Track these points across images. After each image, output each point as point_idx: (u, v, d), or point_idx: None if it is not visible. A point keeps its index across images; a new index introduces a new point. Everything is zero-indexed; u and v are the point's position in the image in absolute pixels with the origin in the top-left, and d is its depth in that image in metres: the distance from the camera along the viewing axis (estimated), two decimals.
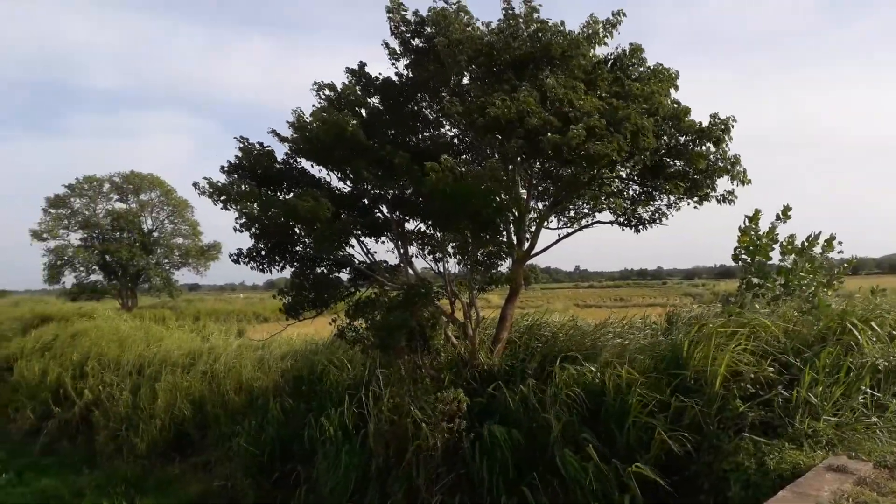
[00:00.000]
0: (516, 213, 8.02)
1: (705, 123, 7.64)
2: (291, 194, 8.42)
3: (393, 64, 8.50)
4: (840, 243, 8.69)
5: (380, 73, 8.75)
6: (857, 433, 5.11)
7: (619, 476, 5.79)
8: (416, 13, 8.02)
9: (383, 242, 8.91)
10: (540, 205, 8.80)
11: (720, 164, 7.75)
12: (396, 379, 8.05)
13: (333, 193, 8.49)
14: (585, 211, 8.92)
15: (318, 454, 8.10)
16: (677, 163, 7.87)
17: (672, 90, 7.79)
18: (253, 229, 8.24)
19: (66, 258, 34.19)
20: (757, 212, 8.78)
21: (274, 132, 8.54)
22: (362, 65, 8.76)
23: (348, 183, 8.65)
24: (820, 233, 8.73)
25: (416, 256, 8.85)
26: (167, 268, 37.03)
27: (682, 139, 7.77)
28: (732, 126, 7.62)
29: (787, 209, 8.73)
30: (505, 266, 8.67)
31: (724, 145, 7.70)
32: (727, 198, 8.03)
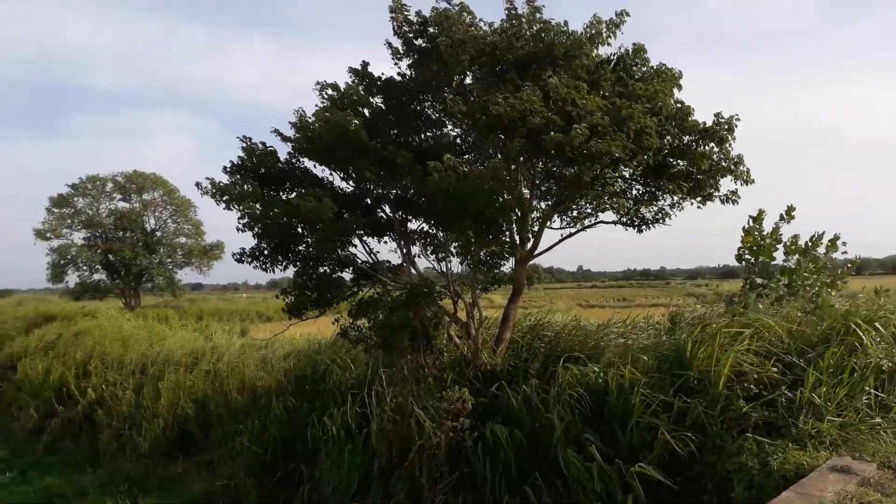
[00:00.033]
0: (519, 213, 8.01)
1: (709, 123, 7.62)
2: (294, 194, 8.43)
3: (396, 63, 8.51)
4: (844, 244, 8.69)
5: (382, 73, 8.76)
6: (861, 434, 5.10)
7: (622, 476, 5.78)
8: (419, 13, 8.02)
9: (386, 242, 8.93)
10: (543, 204, 8.79)
11: (723, 163, 7.72)
12: (399, 378, 8.05)
13: (336, 193, 8.49)
14: (588, 211, 8.89)
15: (320, 453, 8.11)
16: (680, 163, 7.84)
17: (675, 90, 7.77)
18: (255, 229, 8.25)
19: (69, 257, 34.35)
20: (761, 212, 8.76)
21: (277, 132, 8.55)
22: (365, 64, 8.76)
23: (351, 183, 8.65)
24: (823, 233, 8.72)
25: (419, 256, 8.85)
26: (170, 267, 37.18)
27: (686, 139, 7.75)
28: (736, 125, 7.59)
29: (790, 209, 8.71)
30: (508, 266, 8.67)
31: (727, 145, 7.68)
32: (730, 198, 8.00)
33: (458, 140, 8.91)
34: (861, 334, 6.17)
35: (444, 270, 8.59)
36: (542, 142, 6.75)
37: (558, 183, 8.36)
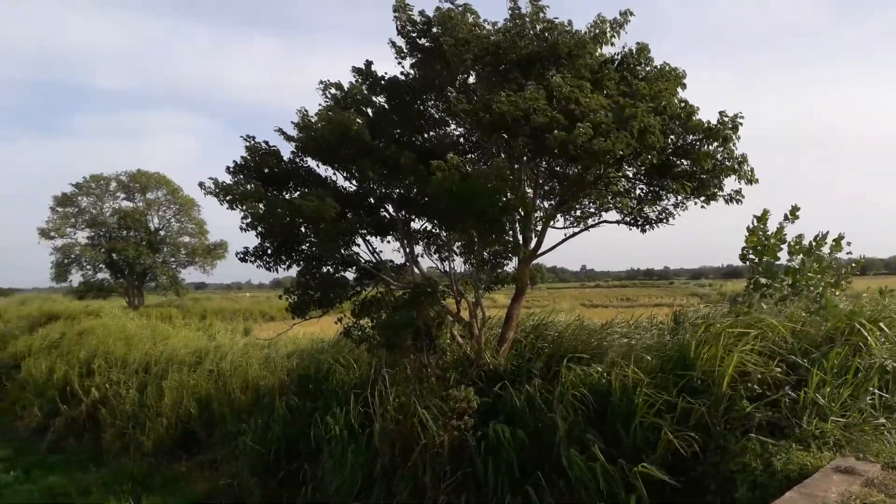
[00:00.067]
0: (522, 213, 8.00)
1: (712, 122, 7.60)
2: (297, 193, 8.44)
3: (399, 63, 8.51)
4: (849, 244, 8.65)
5: (385, 73, 8.76)
6: (866, 434, 5.08)
7: (625, 476, 5.76)
8: (422, 13, 8.02)
9: (389, 242, 8.92)
10: (546, 204, 8.78)
11: (727, 163, 7.70)
12: (402, 378, 8.05)
13: (339, 192, 8.50)
14: (592, 210, 8.88)
15: (323, 453, 8.11)
16: (684, 162, 7.82)
17: (679, 89, 7.75)
18: (259, 228, 8.26)
19: (73, 256, 34.50)
20: (765, 212, 8.74)
21: (280, 131, 8.57)
22: (368, 64, 8.76)
23: (354, 182, 8.65)
24: (827, 232, 8.69)
25: (422, 256, 8.86)
26: (174, 266, 37.31)
27: (690, 138, 7.73)
28: (740, 124, 7.57)
29: (795, 209, 8.69)
30: (511, 265, 8.68)
31: (731, 144, 7.66)
32: (734, 197, 7.97)
33: (462, 139, 8.90)
34: (865, 334, 6.14)
35: (448, 270, 8.59)
36: (545, 140, 6.74)
37: (562, 182, 8.35)
